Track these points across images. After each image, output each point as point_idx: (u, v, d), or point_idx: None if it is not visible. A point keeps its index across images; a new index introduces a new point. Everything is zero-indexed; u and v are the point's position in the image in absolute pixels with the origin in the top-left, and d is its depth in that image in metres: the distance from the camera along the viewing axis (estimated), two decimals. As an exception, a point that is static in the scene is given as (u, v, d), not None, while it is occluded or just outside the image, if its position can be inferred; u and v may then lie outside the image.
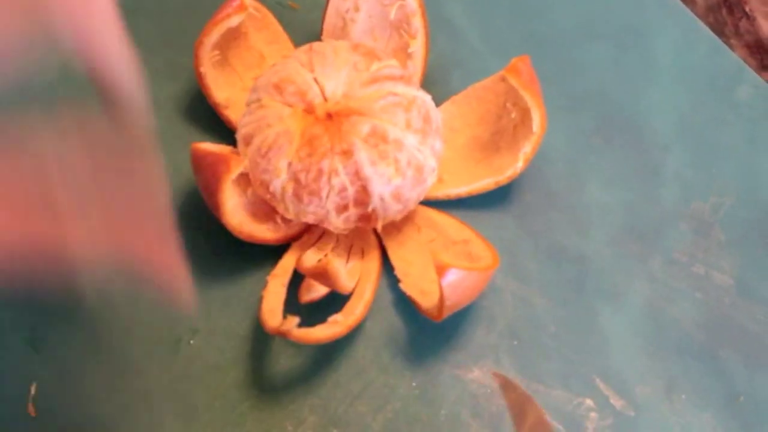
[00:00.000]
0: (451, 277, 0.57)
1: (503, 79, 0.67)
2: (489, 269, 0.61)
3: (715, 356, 0.67)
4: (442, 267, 0.57)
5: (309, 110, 0.61)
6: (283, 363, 0.63)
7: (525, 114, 0.66)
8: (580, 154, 0.73)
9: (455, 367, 0.64)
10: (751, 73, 0.77)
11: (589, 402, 0.64)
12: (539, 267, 0.68)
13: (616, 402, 0.64)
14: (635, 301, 0.68)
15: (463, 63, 0.76)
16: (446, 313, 0.59)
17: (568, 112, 0.75)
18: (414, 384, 0.63)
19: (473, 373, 0.64)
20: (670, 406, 0.65)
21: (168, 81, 0.72)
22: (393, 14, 0.69)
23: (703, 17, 0.81)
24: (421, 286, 0.64)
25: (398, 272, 0.65)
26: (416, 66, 0.70)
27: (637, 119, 0.75)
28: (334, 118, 0.60)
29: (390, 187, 0.61)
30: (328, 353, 0.64)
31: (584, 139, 0.74)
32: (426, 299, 0.62)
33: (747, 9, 0.82)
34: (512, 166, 0.67)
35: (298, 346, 0.63)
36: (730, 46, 0.80)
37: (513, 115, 0.67)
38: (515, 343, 0.65)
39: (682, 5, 0.80)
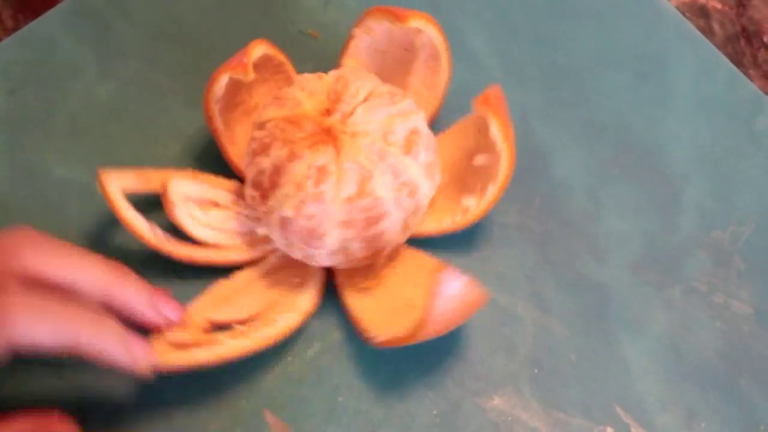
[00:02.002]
0: (449, 285, 0.56)
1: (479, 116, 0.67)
2: (482, 295, 0.59)
3: (735, 385, 0.67)
4: (441, 267, 0.56)
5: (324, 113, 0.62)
6: (303, 391, 0.63)
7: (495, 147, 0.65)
8: (598, 182, 0.73)
9: (476, 395, 0.64)
10: (769, 103, 0.78)
11: (610, 430, 0.64)
12: (559, 295, 0.68)
13: (637, 430, 0.64)
14: (655, 330, 0.68)
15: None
16: (426, 330, 0.57)
17: (586, 141, 0.75)
18: (435, 412, 0.63)
19: (494, 402, 0.64)
20: None
21: (188, 106, 0.72)
22: (423, 55, 0.70)
23: (722, 47, 0.81)
24: (398, 322, 0.61)
25: (366, 325, 0.63)
26: (435, 97, 0.71)
27: (656, 148, 0.75)
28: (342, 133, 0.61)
29: (402, 211, 0.62)
30: (349, 381, 0.63)
31: (603, 168, 0.74)
32: (402, 327, 0.60)
33: (765, 39, 0.82)
34: (480, 203, 0.66)
35: (319, 373, 0.63)
36: (749, 77, 0.80)
37: (482, 158, 0.67)
38: (536, 371, 0.65)
39: (700, 35, 0.80)
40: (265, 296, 0.65)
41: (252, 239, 0.67)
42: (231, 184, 0.68)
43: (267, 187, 0.61)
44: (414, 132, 0.62)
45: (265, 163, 0.61)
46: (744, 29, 0.83)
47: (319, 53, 0.75)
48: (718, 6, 0.83)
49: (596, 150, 0.75)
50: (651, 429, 0.64)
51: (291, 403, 0.62)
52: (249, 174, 0.63)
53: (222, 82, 0.64)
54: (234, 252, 0.66)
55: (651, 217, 0.72)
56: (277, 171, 0.60)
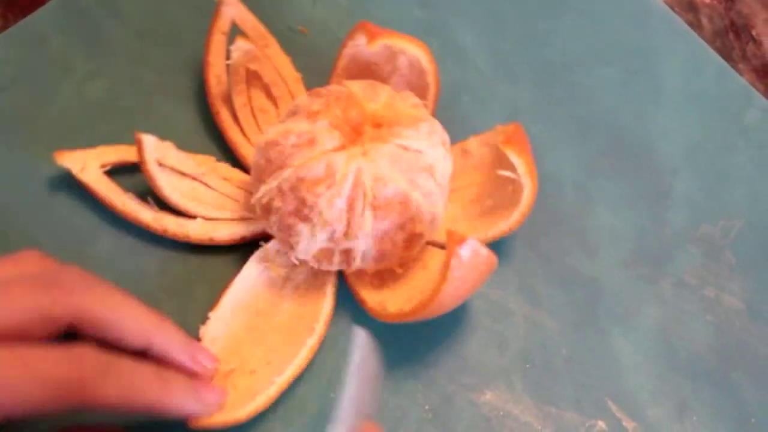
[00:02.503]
0: (466, 249, 0.55)
1: (496, 139, 0.66)
2: (492, 258, 0.58)
3: (726, 378, 0.66)
4: (458, 237, 0.55)
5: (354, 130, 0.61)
6: (296, 388, 0.62)
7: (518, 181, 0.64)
8: (589, 177, 0.73)
9: (468, 390, 0.64)
10: (759, 98, 0.77)
11: (601, 424, 0.63)
12: (550, 289, 0.68)
13: (629, 424, 0.64)
14: (646, 324, 0.68)
15: (473, 88, 0.76)
16: (442, 297, 0.56)
17: (576, 136, 0.75)
18: (427, 407, 0.63)
19: (486, 396, 0.63)
20: (682, 427, 0.64)
21: (177, 103, 0.72)
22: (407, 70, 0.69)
23: (711, 42, 0.80)
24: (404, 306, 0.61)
25: (375, 309, 0.63)
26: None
27: (646, 143, 0.75)
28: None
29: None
30: (341, 377, 0.62)
31: (593, 163, 0.74)
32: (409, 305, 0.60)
33: (754, 33, 0.82)
34: (503, 224, 0.64)
35: (310, 369, 0.62)
36: (738, 71, 0.80)
37: (509, 187, 0.65)
38: (527, 366, 0.65)
39: (689, 30, 0.79)
40: (285, 321, 0.63)
41: (242, 213, 0.67)
42: (206, 158, 0.69)
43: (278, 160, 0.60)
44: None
45: (299, 127, 0.60)
46: (732, 23, 0.82)
47: (308, 49, 0.75)
48: (707, 0, 0.83)
49: (586, 145, 0.75)
50: (642, 423, 0.64)
51: (282, 398, 0.61)
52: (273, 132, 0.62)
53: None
54: (223, 227, 0.66)
55: (641, 211, 0.72)
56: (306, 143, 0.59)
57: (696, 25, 0.82)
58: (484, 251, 0.56)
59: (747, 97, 0.78)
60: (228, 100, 0.69)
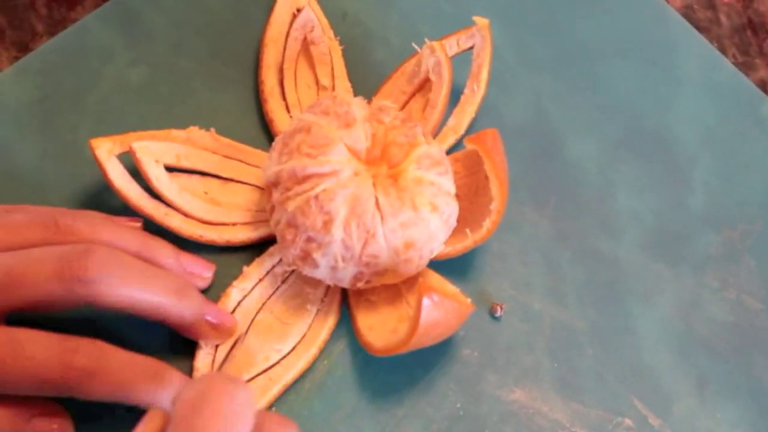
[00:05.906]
0: (429, 302, 0.48)
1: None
2: (466, 307, 0.51)
3: (751, 377, 0.60)
4: (427, 288, 0.48)
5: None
6: (324, 392, 0.55)
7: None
8: (610, 163, 0.67)
9: (497, 388, 0.57)
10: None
11: (628, 422, 0.57)
12: (574, 270, 0.62)
13: (654, 421, 0.57)
14: (667, 303, 0.62)
15: (498, 78, 0.67)
16: (414, 341, 0.49)
17: (597, 124, 0.68)
18: (458, 405, 0.56)
19: (515, 394, 0.57)
20: (708, 424, 0.58)
21: (213, 90, 0.65)
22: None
23: (729, 38, 0.74)
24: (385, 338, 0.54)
25: (362, 332, 0.55)
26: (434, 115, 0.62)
27: (664, 130, 0.69)
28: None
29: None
30: (369, 380, 0.56)
31: (614, 149, 0.67)
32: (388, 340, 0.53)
33: (770, 30, 0.74)
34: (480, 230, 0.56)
35: (343, 372, 0.56)
36: (755, 66, 0.73)
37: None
38: (555, 365, 0.58)
39: (697, 33, 0.73)
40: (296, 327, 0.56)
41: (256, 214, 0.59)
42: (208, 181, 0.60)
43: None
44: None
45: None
46: (750, 21, 0.76)
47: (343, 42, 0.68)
48: (725, -2, 0.75)
49: (606, 132, 0.68)
50: (668, 420, 0.58)
51: (314, 405, 0.55)
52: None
53: None
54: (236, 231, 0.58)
55: (661, 195, 0.66)
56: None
57: (715, 22, 0.75)
58: (448, 302, 0.50)
59: (760, 99, 0.71)
60: (279, 71, 0.63)
